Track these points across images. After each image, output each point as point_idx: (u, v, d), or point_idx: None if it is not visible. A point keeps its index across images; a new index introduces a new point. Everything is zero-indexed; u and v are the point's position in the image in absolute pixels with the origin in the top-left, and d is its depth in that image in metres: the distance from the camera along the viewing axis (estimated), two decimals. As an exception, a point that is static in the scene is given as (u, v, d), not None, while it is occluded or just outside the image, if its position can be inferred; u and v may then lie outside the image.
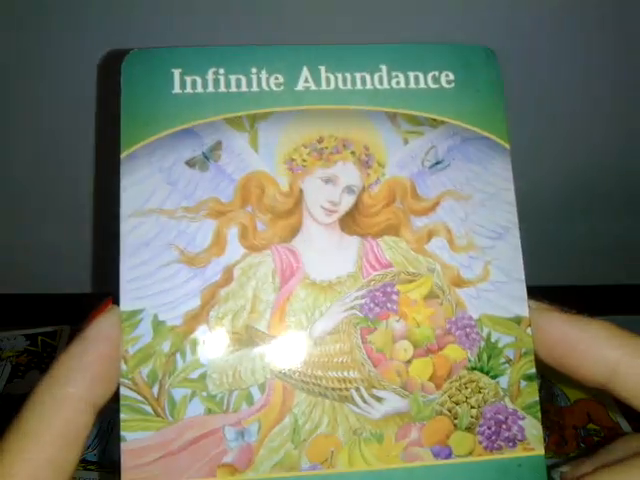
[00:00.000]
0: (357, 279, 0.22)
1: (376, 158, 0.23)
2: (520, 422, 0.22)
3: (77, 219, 0.54)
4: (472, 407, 0.22)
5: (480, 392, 0.22)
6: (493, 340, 0.22)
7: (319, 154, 0.23)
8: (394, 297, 0.22)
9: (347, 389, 0.21)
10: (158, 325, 0.21)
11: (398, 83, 0.24)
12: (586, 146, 0.54)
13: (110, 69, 0.42)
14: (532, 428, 0.22)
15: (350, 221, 0.23)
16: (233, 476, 0.20)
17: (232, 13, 0.43)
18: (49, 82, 0.46)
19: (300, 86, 0.23)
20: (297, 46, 0.24)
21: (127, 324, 0.21)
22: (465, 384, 0.22)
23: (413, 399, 0.22)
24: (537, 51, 0.47)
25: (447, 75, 0.24)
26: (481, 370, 0.22)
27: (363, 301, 0.22)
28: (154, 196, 0.22)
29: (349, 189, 0.23)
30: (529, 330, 0.22)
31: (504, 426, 0.22)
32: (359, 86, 0.24)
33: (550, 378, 0.50)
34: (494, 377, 0.22)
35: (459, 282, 0.22)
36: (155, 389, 0.21)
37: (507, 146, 0.24)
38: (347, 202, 0.23)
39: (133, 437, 0.20)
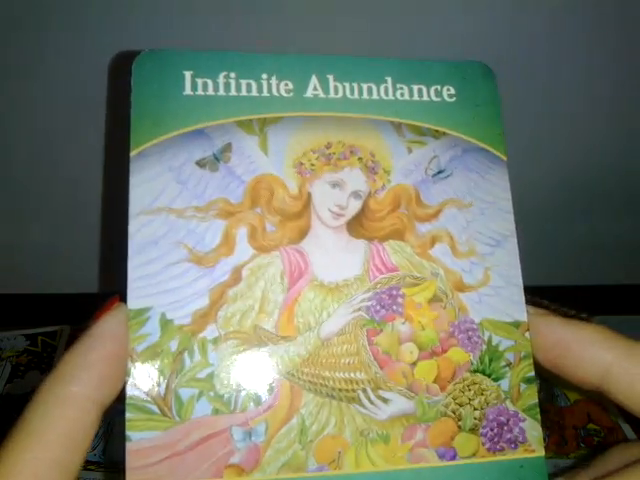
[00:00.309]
0: (364, 281, 0.23)
1: (382, 165, 0.24)
2: (521, 424, 0.22)
3: (83, 219, 0.53)
4: (475, 409, 0.22)
5: (483, 394, 0.22)
6: (494, 343, 0.23)
7: (327, 159, 0.24)
8: (400, 300, 0.23)
9: (354, 390, 0.21)
10: (166, 324, 0.21)
11: (403, 95, 0.25)
12: (586, 146, 0.54)
13: (121, 70, 0.42)
14: (532, 430, 0.22)
15: (357, 225, 0.23)
16: (240, 477, 0.20)
17: (238, 14, 0.43)
18: (59, 82, 0.45)
19: (309, 93, 0.24)
20: (306, 55, 0.24)
21: (134, 322, 0.20)
22: (468, 386, 0.22)
23: (418, 400, 0.22)
24: (537, 51, 0.48)
25: (448, 89, 0.25)
26: (483, 372, 0.22)
27: (370, 303, 0.22)
28: (163, 194, 0.22)
29: (356, 194, 0.23)
30: (527, 334, 0.23)
31: (506, 428, 0.22)
32: (365, 96, 0.24)
33: (550, 380, 0.50)
34: (496, 380, 0.22)
35: (461, 287, 0.23)
36: (162, 388, 0.20)
37: (504, 158, 0.25)
38: (354, 206, 0.23)
39: (139, 437, 0.20)
